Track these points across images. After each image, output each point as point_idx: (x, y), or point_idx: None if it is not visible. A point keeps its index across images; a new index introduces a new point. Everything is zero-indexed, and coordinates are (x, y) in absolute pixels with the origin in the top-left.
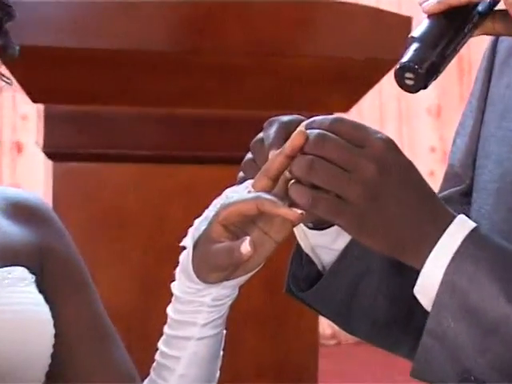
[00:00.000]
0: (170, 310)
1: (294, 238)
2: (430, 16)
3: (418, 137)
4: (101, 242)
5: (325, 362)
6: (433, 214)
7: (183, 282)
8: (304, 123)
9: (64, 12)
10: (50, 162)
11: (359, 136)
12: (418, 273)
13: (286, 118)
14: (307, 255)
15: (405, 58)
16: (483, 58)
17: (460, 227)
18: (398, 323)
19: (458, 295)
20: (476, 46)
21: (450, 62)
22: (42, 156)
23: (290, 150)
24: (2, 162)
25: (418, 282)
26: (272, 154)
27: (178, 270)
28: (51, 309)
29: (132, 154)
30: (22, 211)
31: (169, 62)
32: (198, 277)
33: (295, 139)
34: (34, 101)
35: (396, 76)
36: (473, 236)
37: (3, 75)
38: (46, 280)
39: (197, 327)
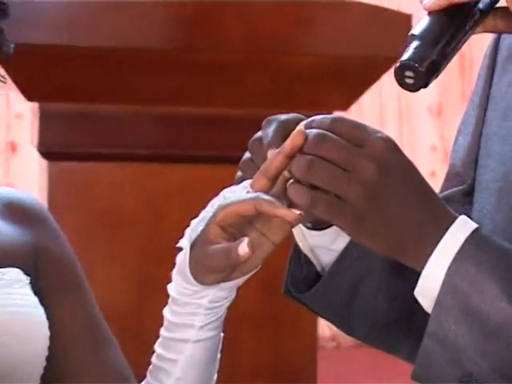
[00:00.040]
0: (166, 311)
1: (293, 238)
2: (430, 13)
3: (419, 136)
4: (96, 242)
5: (324, 365)
6: (433, 215)
7: (180, 284)
8: (303, 123)
9: (59, 9)
10: (44, 162)
11: (359, 136)
12: (418, 274)
13: (284, 117)
14: (306, 256)
15: (405, 57)
16: (485, 55)
17: (461, 228)
18: (398, 325)
19: (460, 297)
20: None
21: (450, 60)
22: (36, 155)
23: (289, 150)
24: None
25: (419, 283)
26: (270, 153)
27: (174, 272)
28: (46, 310)
29: (128, 153)
30: (16, 212)
31: (165, 60)
32: (194, 278)
33: (294, 139)
34: (29, 99)
35: (396, 74)
36: (474, 237)
37: None
38: (41, 281)
39: (194, 329)
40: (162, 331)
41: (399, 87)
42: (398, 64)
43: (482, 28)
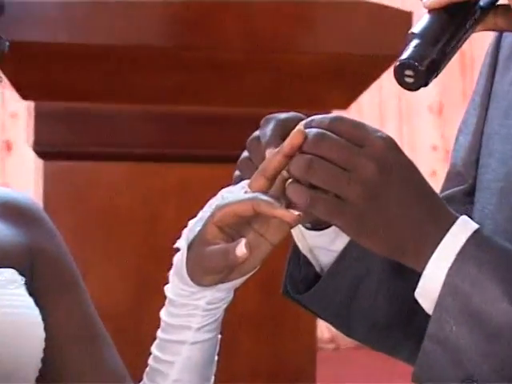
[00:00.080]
0: (163, 313)
1: (292, 238)
2: (430, 11)
3: (419, 135)
4: (92, 242)
5: (323, 367)
6: (434, 215)
7: (177, 285)
8: (303, 122)
9: (56, 7)
10: (40, 161)
11: (359, 135)
12: (418, 275)
13: (282, 116)
14: (305, 256)
15: (404, 55)
16: (487, 53)
17: (462, 228)
18: (398, 326)
19: (461, 298)
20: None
21: (451, 59)
22: (32, 155)
23: (288, 149)
24: None
25: (420, 284)
26: (269, 152)
27: (171, 273)
28: (41, 311)
29: (125, 152)
30: (11, 211)
31: (163, 58)
32: (192, 279)
33: (294, 138)
34: (24, 98)
35: (395, 73)
36: (475, 238)
37: None
38: (36, 281)
39: (191, 331)
40: (159, 333)
41: (399, 86)
42: (397, 63)
43: (483, 26)
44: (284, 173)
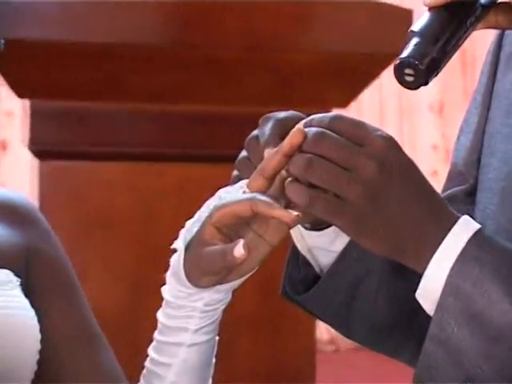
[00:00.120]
0: (160, 315)
1: (290, 239)
2: (430, 9)
3: (420, 134)
4: (89, 243)
5: (322, 369)
6: (435, 214)
7: (174, 286)
8: (302, 121)
9: (52, 5)
10: (36, 161)
11: (359, 134)
12: (419, 275)
13: (281, 115)
14: (304, 257)
15: (404, 54)
16: (488, 51)
17: (464, 228)
18: (398, 327)
19: (462, 298)
20: (479, 39)
21: (451, 57)
22: (27, 154)
23: (287, 149)
24: None
25: (421, 285)
26: (267, 152)
27: (168, 274)
28: (37, 312)
29: (121, 151)
30: (6, 212)
31: (161, 56)
32: (189, 281)
33: (293, 137)
34: (20, 96)
35: (395, 72)
36: (477, 238)
37: None
38: (32, 282)
39: (188, 333)
40: (156, 335)
41: (399, 84)
42: (397, 61)
43: (484, 24)
44: (283, 172)
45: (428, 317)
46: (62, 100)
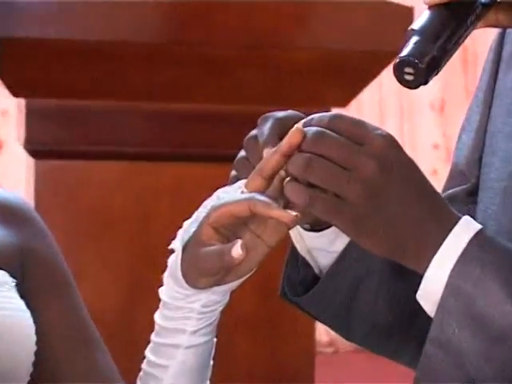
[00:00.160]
0: (157, 316)
1: (289, 239)
2: (430, 7)
3: (420, 133)
4: (85, 243)
5: (322, 371)
6: (435, 214)
7: (171, 287)
8: (302, 121)
9: (47, 3)
10: (31, 160)
11: (359, 133)
12: (419, 276)
13: (280, 114)
14: (303, 258)
15: (404, 52)
16: (490, 49)
17: (465, 229)
18: (399, 328)
19: (463, 299)
20: (481, 37)
21: (451, 56)
22: (23, 153)
23: (286, 148)
24: None
25: (421, 286)
26: (266, 151)
27: (166, 275)
28: (33, 312)
29: (118, 151)
30: (1, 211)
31: (159, 55)
32: (186, 282)
33: (292, 137)
34: (15, 95)
35: (395, 71)
36: (478, 238)
37: None
38: (28, 282)
39: (185, 335)
40: (153, 336)
41: (399, 83)
42: (397, 60)
43: (484, 23)
44: (282, 172)
45: (428, 318)
46: (58, 99)
